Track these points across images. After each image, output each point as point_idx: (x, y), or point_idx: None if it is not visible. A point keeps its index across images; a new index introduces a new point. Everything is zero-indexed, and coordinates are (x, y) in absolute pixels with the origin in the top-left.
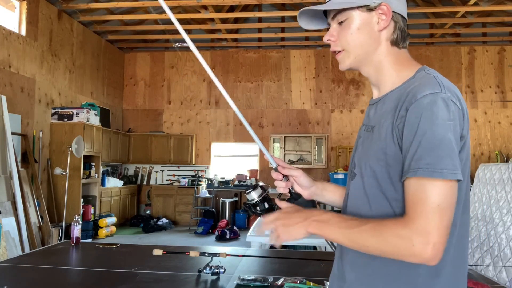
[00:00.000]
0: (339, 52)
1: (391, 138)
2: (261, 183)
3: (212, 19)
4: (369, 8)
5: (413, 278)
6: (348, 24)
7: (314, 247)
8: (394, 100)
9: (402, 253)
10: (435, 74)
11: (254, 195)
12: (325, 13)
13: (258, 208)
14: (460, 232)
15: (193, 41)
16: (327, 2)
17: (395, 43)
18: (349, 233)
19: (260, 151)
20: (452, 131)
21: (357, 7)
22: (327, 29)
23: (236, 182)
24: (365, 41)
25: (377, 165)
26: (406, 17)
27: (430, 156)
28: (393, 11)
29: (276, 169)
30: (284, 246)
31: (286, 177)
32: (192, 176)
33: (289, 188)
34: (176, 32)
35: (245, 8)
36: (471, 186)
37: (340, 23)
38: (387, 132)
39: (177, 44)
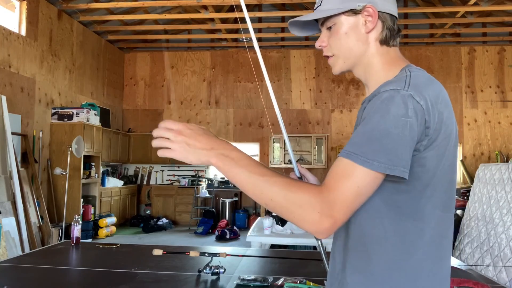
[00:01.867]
0: (330, 56)
1: None
2: None
3: (212, 19)
4: (355, 12)
5: (393, 280)
6: (336, 30)
7: (314, 247)
8: (367, 100)
9: (302, 216)
10: (409, 73)
11: None
12: (316, 19)
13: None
14: (439, 231)
15: (193, 41)
16: (314, 10)
17: (384, 42)
18: (256, 179)
19: (260, 151)
20: (406, 128)
21: (343, 13)
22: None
23: None
24: (354, 45)
25: None
26: (396, 14)
27: (367, 146)
28: (379, 11)
29: (299, 177)
30: (284, 246)
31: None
32: (192, 176)
33: None
34: (176, 32)
35: (245, 8)
36: (471, 186)
37: (329, 28)
38: None
39: (244, 38)
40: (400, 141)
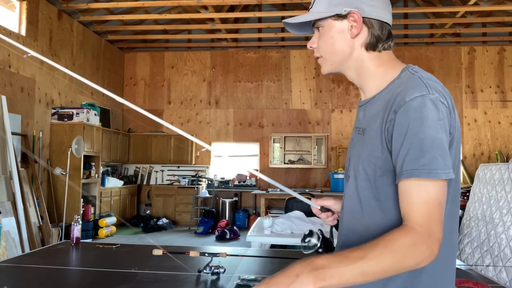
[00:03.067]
0: (319, 57)
1: (381, 141)
2: (314, 229)
3: (212, 19)
4: (341, 16)
5: (403, 277)
6: (324, 33)
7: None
8: (382, 102)
9: (419, 260)
10: (420, 74)
11: (314, 241)
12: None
13: (320, 249)
14: (449, 225)
15: (193, 41)
16: (309, 10)
17: (370, 47)
18: (360, 267)
19: (260, 151)
20: (443, 130)
21: (330, 17)
22: None
23: (236, 182)
24: (339, 48)
25: (369, 167)
26: (388, 21)
27: (424, 158)
28: (365, 17)
29: (322, 209)
30: (284, 246)
31: (327, 209)
32: (192, 176)
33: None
34: (176, 32)
35: (245, 8)
36: (471, 186)
37: (318, 30)
38: (377, 135)
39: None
40: (443, 144)
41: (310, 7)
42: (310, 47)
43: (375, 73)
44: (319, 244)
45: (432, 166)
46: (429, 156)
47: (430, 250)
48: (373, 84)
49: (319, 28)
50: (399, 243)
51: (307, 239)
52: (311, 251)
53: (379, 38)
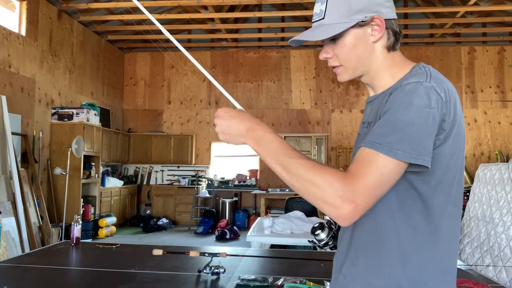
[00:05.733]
0: (337, 66)
1: None
2: (325, 221)
3: (212, 19)
4: (362, 24)
5: (399, 272)
6: (343, 42)
7: (314, 247)
8: (388, 94)
9: (324, 198)
10: (427, 68)
11: (323, 236)
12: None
13: (328, 245)
14: (451, 227)
15: (193, 41)
16: (314, 22)
17: (392, 48)
18: (285, 161)
19: None
20: (429, 118)
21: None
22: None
23: (236, 182)
24: (362, 55)
25: None
26: (396, 16)
27: (391, 136)
28: (385, 19)
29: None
30: (284, 246)
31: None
32: (192, 176)
33: None
34: (176, 32)
35: (245, 8)
36: (471, 186)
37: (333, 40)
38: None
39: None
40: (424, 131)
41: (319, 18)
42: (325, 57)
43: (388, 73)
44: (327, 240)
45: (395, 146)
46: (396, 136)
47: (340, 203)
48: (384, 83)
49: (336, 38)
50: (324, 174)
51: (316, 232)
52: (318, 245)
53: (398, 36)
